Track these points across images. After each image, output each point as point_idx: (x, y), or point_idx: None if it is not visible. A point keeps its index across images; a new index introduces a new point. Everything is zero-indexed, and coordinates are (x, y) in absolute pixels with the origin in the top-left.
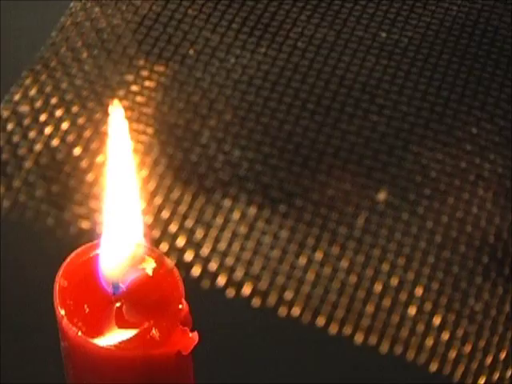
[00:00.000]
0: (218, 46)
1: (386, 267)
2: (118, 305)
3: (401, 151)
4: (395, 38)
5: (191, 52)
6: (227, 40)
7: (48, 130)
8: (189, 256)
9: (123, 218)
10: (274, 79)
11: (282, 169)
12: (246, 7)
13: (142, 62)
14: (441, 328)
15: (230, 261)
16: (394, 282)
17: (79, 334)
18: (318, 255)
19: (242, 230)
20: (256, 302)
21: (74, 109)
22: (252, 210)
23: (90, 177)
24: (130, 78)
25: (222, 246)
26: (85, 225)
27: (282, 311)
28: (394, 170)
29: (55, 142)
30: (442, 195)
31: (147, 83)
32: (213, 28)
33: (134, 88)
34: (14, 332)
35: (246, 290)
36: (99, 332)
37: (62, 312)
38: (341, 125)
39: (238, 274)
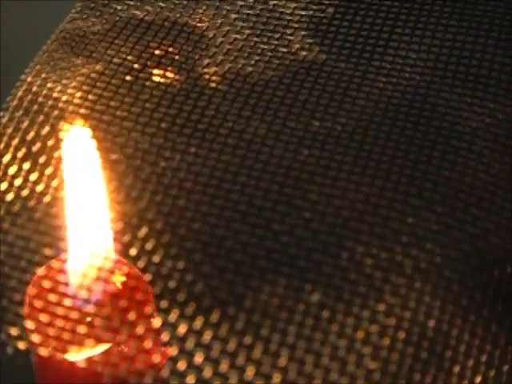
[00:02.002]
0: (148, 149)
1: (319, 374)
2: (88, 319)
3: (335, 248)
4: (328, 127)
5: (119, 157)
6: (157, 141)
7: None
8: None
9: (90, 232)
10: (205, 181)
11: (214, 276)
12: (175, 104)
13: None
14: None
15: (164, 373)
16: None
17: (50, 349)
18: (251, 368)
19: (174, 343)
20: None
21: None
22: (183, 322)
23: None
24: None
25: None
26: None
27: None
28: (328, 270)
29: None
30: (377, 292)
31: None
32: (141, 129)
33: None
34: None
35: None
36: (70, 347)
37: (32, 327)
38: (273, 225)
39: None
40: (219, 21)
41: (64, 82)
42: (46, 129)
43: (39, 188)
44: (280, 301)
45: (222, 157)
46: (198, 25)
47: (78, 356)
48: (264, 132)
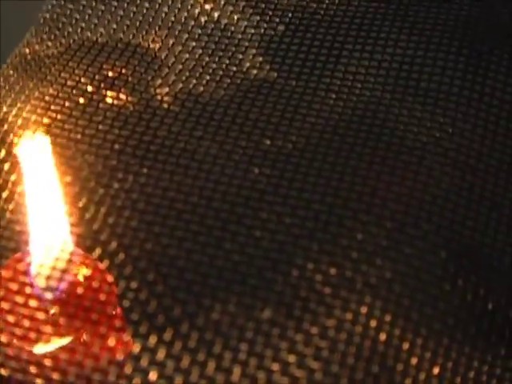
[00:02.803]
0: (101, 171)
1: None
2: (52, 311)
3: (285, 266)
4: (279, 145)
5: (73, 179)
6: (110, 163)
7: None
8: None
9: (51, 225)
10: (157, 202)
11: (167, 295)
12: (128, 125)
13: None
14: None
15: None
16: None
17: (14, 341)
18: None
19: (129, 361)
20: None
21: None
22: (137, 341)
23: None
24: None
25: None
26: None
27: None
28: (278, 287)
29: None
30: (328, 308)
31: None
32: (95, 151)
33: None
34: None
35: None
36: (35, 340)
37: None
38: (224, 244)
39: None
40: (171, 41)
41: (19, 105)
42: (2, 153)
43: None
44: (231, 319)
45: (174, 177)
46: (151, 46)
47: (42, 348)
48: (215, 152)
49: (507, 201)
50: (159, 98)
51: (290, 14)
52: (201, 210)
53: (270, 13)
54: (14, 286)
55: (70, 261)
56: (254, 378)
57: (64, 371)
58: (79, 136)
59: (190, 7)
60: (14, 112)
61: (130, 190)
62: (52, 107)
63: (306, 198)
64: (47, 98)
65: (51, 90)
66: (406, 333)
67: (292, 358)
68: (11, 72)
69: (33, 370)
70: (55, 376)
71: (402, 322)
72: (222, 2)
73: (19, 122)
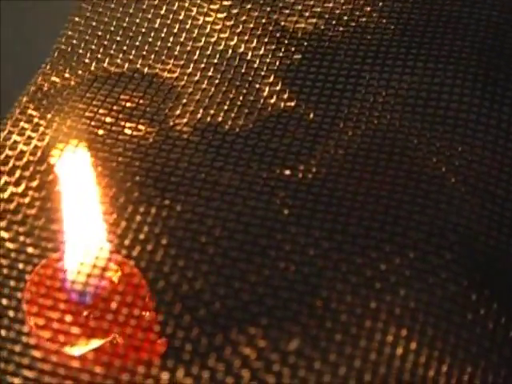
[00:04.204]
0: (123, 204)
1: None
2: (85, 314)
3: (310, 297)
4: (299, 175)
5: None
6: (132, 196)
7: None
8: None
9: (86, 227)
10: (180, 235)
11: (194, 328)
12: (148, 157)
13: None
14: None
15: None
16: None
17: (49, 343)
18: None
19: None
20: None
21: None
22: (165, 375)
23: None
24: None
25: None
26: None
27: None
28: (304, 319)
29: None
30: (353, 339)
31: None
32: (117, 184)
33: None
34: None
35: None
36: (68, 342)
37: (32, 322)
38: (249, 277)
39: None
40: (189, 70)
41: (37, 137)
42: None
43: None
44: (258, 351)
45: (197, 209)
46: (169, 75)
47: (76, 350)
48: (237, 183)
49: None
50: (178, 128)
51: (305, 43)
52: (224, 243)
53: (286, 41)
54: (49, 287)
55: (105, 264)
56: None
57: (97, 373)
58: (100, 169)
59: (206, 36)
60: (32, 145)
61: (153, 222)
62: (71, 140)
63: (328, 228)
64: (65, 129)
65: (69, 122)
66: (431, 361)
67: None
68: (28, 103)
69: (65, 372)
70: (88, 378)
71: (426, 350)
72: (238, 31)
73: (38, 154)
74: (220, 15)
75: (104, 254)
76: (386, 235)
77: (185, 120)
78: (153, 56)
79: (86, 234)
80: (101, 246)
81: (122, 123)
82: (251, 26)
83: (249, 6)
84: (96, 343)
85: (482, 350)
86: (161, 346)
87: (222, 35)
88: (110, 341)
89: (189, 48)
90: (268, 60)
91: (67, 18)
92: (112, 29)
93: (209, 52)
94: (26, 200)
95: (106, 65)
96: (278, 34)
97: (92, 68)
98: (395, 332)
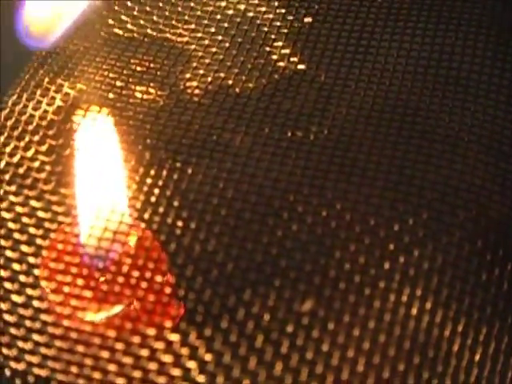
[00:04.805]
0: (134, 166)
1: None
2: (102, 279)
3: (324, 258)
4: (312, 136)
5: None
6: (143, 159)
7: None
8: None
9: (98, 190)
10: (193, 197)
11: (206, 291)
12: (159, 120)
13: None
14: None
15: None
16: None
17: (65, 308)
18: (246, 381)
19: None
20: None
21: None
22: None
23: None
24: None
25: None
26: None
27: None
28: (318, 280)
29: None
30: (367, 299)
31: None
32: (127, 147)
33: None
34: None
35: None
36: (84, 307)
37: (47, 288)
38: (262, 238)
39: None
40: (199, 34)
41: (46, 101)
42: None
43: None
44: (272, 312)
45: (209, 171)
46: (179, 39)
47: (95, 316)
48: (249, 145)
49: None
50: (189, 91)
51: (316, 6)
52: (237, 205)
53: (297, 4)
54: (63, 252)
55: (120, 228)
56: (296, 371)
57: (114, 340)
58: (110, 132)
59: (216, 1)
60: (42, 109)
61: (165, 185)
62: (81, 104)
63: (341, 189)
64: (76, 94)
65: (79, 86)
66: (446, 321)
67: (334, 350)
68: (37, 69)
69: (80, 338)
70: (103, 346)
71: (441, 310)
72: None
73: (48, 118)
74: None
75: (117, 217)
76: (400, 195)
77: (195, 83)
78: (162, 20)
79: (99, 197)
80: (113, 209)
81: (133, 87)
82: None
83: None
84: (113, 309)
85: (496, 310)
86: (178, 310)
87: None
88: (128, 306)
89: (199, 13)
90: (278, 24)
91: None
92: None
93: (219, 17)
94: (36, 164)
95: (115, 30)
96: None
97: (102, 33)
98: (410, 292)
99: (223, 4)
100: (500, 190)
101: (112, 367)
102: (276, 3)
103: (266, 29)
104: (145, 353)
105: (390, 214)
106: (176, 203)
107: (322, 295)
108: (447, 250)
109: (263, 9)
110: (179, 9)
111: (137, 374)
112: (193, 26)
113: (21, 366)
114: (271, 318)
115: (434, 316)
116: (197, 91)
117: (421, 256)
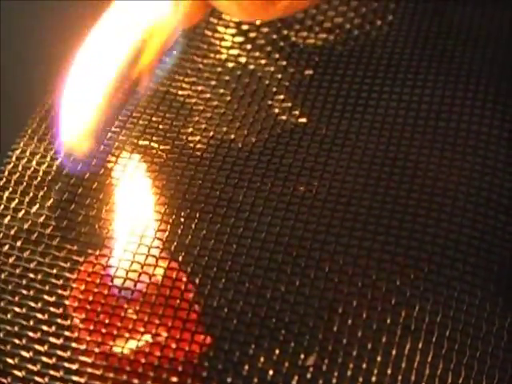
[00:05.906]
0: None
1: None
2: (130, 311)
3: (327, 313)
4: (314, 190)
5: None
6: (146, 216)
7: None
8: None
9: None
10: (196, 252)
11: (210, 347)
12: (162, 175)
13: None
14: None
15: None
16: None
17: (93, 339)
18: None
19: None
20: None
21: None
22: None
23: None
24: None
25: None
26: None
27: None
28: (321, 334)
29: None
30: (370, 353)
31: None
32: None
33: None
34: None
35: None
36: (112, 337)
37: (77, 319)
38: (265, 292)
39: None
40: (200, 88)
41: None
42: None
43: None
44: (276, 366)
45: (211, 226)
46: (180, 92)
47: (120, 346)
48: (252, 199)
49: None
50: (191, 145)
51: (316, 58)
52: (240, 259)
53: (297, 56)
54: (93, 283)
55: (148, 261)
56: None
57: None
58: (114, 188)
59: (216, 53)
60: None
61: (168, 240)
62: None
63: (343, 243)
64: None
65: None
66: (447, 375)
67: None
68: (39, 121)
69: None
70: (130, 375)
71: (441, 364)
72: (249, 47)
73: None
74: (230, 31)
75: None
76: (400, 249)
77: (197, 137)
78: (164, 74)
79: (132, 230)
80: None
81: (135, 140)
82: (262, 42)
83: (259, 22)
84: (140, 339)
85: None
86: (204, 343)
87: (232, 52)
88: (156, 337)
89: (200, 66)
90: (279, 76)
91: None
92: None
93: (220, 69)
94: (41, 219)
95: None
96: (288, 50)
97: None
98: (411, 346)
99: (224, 57)
100: (499, 243)
101: None
102: (277, 55)
103: (267, 81)
104: None
105: (392, 268)
106: (179, 258)
107: (325, 349)
108: (448, 303)
109: (264, 61)
110: (179, 62)
111: None
112: (194, 79)
113: None
114: (275, 371)
115: (435, 368)
116: (199, 145)
117: (422, 310)
